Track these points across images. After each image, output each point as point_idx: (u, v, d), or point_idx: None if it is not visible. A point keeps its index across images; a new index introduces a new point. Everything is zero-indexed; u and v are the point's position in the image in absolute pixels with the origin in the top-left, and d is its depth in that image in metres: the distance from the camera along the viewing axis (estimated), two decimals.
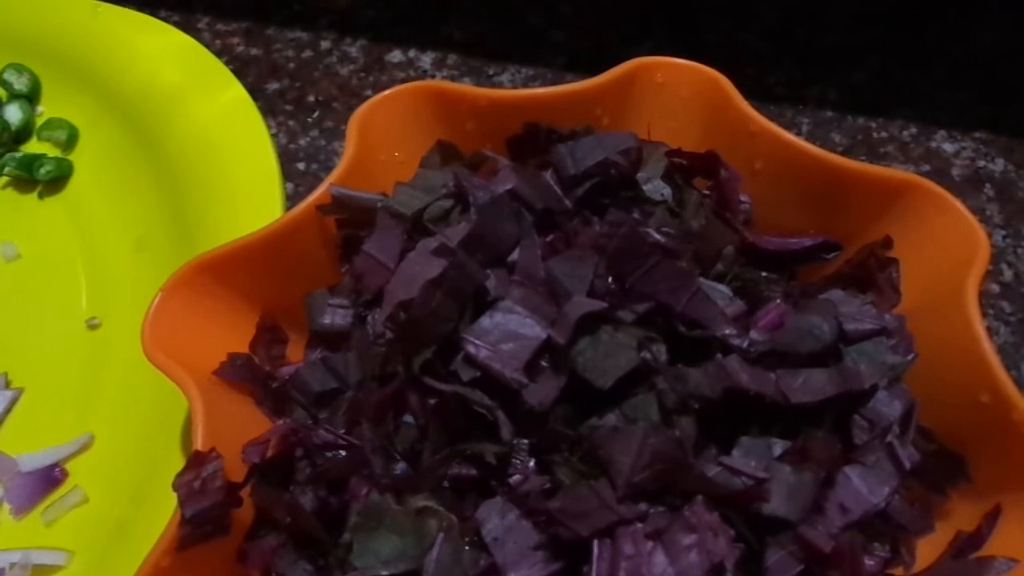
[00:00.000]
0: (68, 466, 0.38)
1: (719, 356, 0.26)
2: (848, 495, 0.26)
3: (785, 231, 0.34)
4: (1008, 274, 0.43)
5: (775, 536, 0.25)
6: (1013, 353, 0.40)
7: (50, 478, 0.37)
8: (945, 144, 0.47)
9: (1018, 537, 0.28)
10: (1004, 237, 0.44)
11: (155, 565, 0.26)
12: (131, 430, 0.38)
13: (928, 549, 0.30)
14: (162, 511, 0.28)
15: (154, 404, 0.38)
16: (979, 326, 0.29)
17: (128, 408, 0.39)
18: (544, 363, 0.27)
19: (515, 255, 0.28)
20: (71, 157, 0.46)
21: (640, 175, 0.33)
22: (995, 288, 0.42)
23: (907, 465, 0.27)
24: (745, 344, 0.27)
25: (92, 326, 0.41)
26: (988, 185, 0.45)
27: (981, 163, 0.46)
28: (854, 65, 0.49)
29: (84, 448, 0.38)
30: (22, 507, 0.37)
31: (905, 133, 0.47)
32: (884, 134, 0.47)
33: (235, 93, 0.44)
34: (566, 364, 0.26)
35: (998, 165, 0.46)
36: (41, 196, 0.45)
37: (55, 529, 0.36)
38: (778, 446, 0.26)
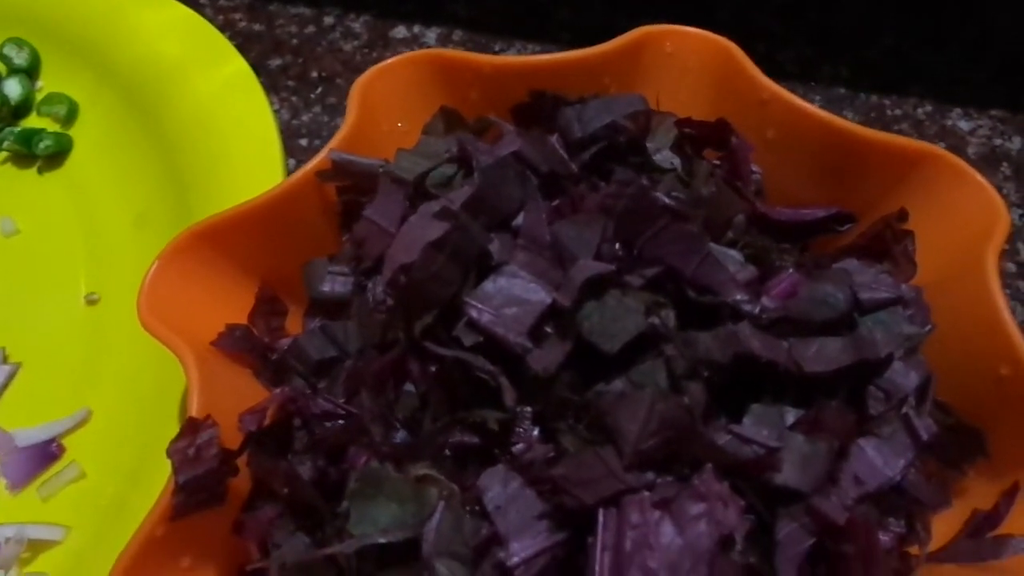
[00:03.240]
0: (65, 441, 0.37)
1: (730, 323, 0.26)
2: (862, 467, 0.26)
3: (797, 202, 0.33)
4: None
5: (786, 507, 0.25)
6: None
7: (47, 453, 0.37)
8: (961, 122, 0.46)
9: None
10: (1021, 216, 0.43)
11: (149, 534, 0.26)
12: (129, 406, 0.38)
13: (944, 527, 0.29)
14: (160, 487, 0.28)
15: (153, 380, 0.38)
16: (999, 297, 0.28)
17: (126, 384, 0.38)
18: (549, 328, 0.26)
19: (519, 219, 0.27)
20: (71, 132, 0.46)
21: (649, 145, 0.32)
22: (1012, 268, 0.41)
23: (924, 437, 0.26)
24: (757, 310, 0.26)
25: (91, 302, 0.41)
26: (1005, 163, 0.44)
27: (998, 141, 0.45)
28: (868, 42, 0.48)
29: (81, 423, 0.38)
30: (18, 482, 0.36)
31: (920, 111, 0.46)
32: (898, 111, 0.46)
33: (237, 67, 0.43)
34: (572, 329, 0.25)
35: (1015, 143, 0.45)
36: (40, 171, 0.45)
37: (52, 504, 0.36)
38: (791, 415, 0.25)
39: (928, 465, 0.29)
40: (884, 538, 0.27)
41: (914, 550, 0.28)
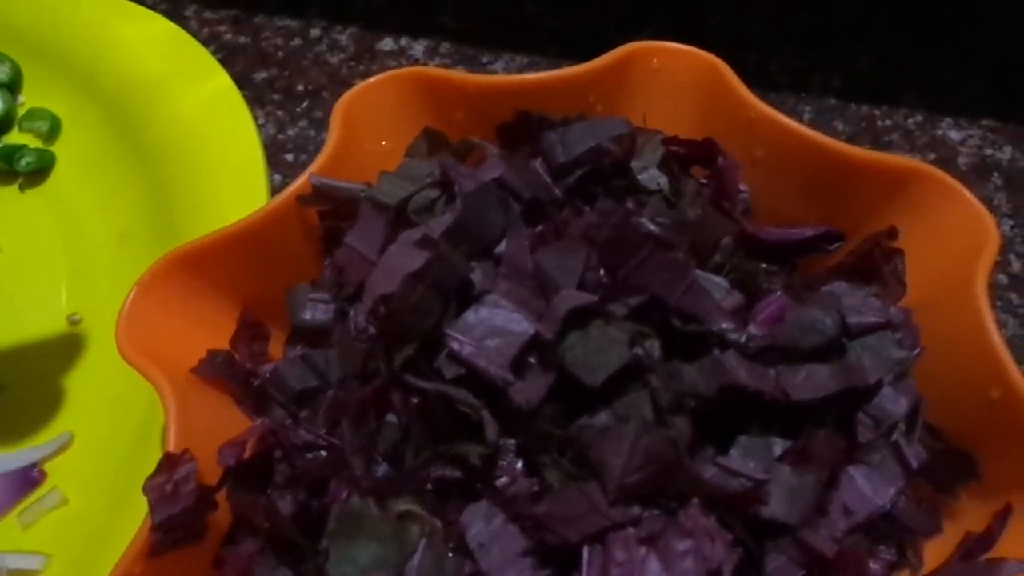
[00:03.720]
0: (47, 467, 0.37)
1: (716, 352, 0.25)
2: (852, 496, 0.25)
3: (786, 222, 0.32)
4: (1016, 265, 0.41)
5: (775, 540, 0.24)
6: (1022, 346, 0.39)
7: (28, 479, 0.36)
8: (951, 132, 0.45)
9: None
10: (1012, 227, 0.42)
11: (126, 572, 0.25)
12: (112, 430, 0.37)
13: (936, 551, 0.28)
14: (143, 514, 0.27)
15: (136, 403, 0.37)
16: (989, 319, 0.27)
17: (109, 407, 0.38)
18: (532, 360, 0.25)
19: (502, 247, 0.27)
20: (53, 148, 0.45)
21: (635, 164, 0.32)
22: (1003, 279, 0.41)
23: (914, 464, 0.26)
24: (743, 339, 0.26)
25: (73, 322, 0.40)
26: (996, 174, 0.44)
27: (988, 151, 0.44)
28: (859, 50, 0.48)
29: (63, 448, 0.37)
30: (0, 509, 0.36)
31: (910, 121, 0.45)
32: (888, 122, 0.45)
33: (220, 82, 0.42)
34: (554, 361, 0.25)
35: (1006, 153, 0.44)
36: (22, 188, 0.44)
37: (33, 532, 0.35)
38: (778, 446, 0.25)
39: (919, 490, 0.28)
40: (874, 567, 0.26)
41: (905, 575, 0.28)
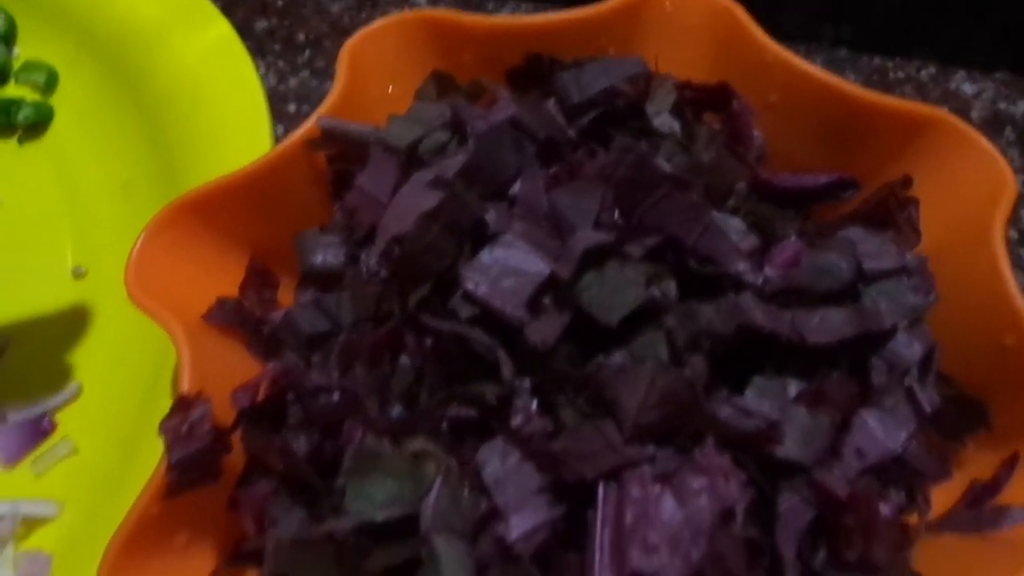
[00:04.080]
0: (57, 417, 0.37)
1: (732, 294, 0.25)
2: (865, 439, 0.25)
3: (800, 168, 0.32)
4: None
5: (788, 481, 0.24)
6: None
7: (38, 429, 0.36)
8: (965, 85, 0.45)
9: None
10: (1023, 182, 0.42)
11: (143, 513, 0.25)
12: (121, 380, 0.37)
13: (944, 498, 0.29)
14: (154, 461, 0.27)
15: (144, 353, 0.37)
16: (1005, 266, 0.27)
17: (117, 358, 0.38)
18: (547, 301, 0.25)
19: (516, 187, 0.26)
20: (51, 101, 0.44)
21: (648, 109, 0.31)
22: (1014, 235, 0.41)
23: (927, 409, 0.26)
24: (759, 281, 0.25)
25: (78, 275, 0.40)
26: (1009, 128, 0.43)
27: (1002, 105, 0.44)
28: (871, 3, 0.47)
29: (72, 398, 0.37)
30: (11, 458, 0.36)
31: (923, 73, 0.45)
32: (901, 74, 0.45)
33: (220, 30, 0.42)
34: (570, 301, 0.24)
35: (1019, 107, 0.44)
36: (21, 142, 0.44)
37: (45, 480, 0.35)
38: (793, 388, 0.25)
39: (929, 438, 0.28)
40: (884, 509, 0.26)
41: (913, 520, 0.28)
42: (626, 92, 0.29)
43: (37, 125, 0.44)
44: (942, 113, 0.30)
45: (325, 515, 0.26)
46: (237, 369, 0.30)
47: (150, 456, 0.34)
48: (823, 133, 0.32)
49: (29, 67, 0.45)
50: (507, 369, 0.25)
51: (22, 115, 0.43)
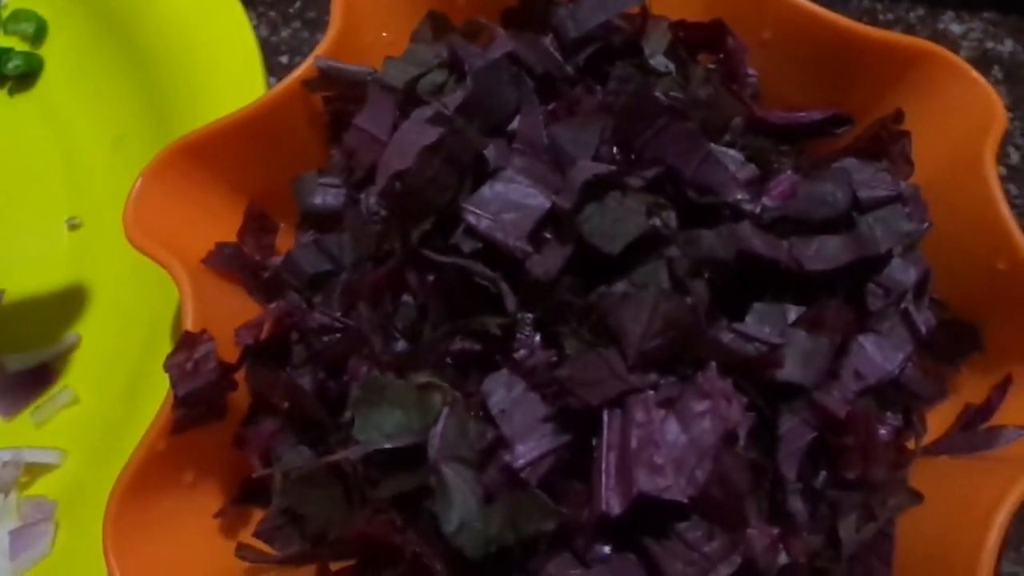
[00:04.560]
0: (57, 366, 0.37)
1: (731, 222, 0.25)
2: (863, 362, 0.26)
3: (794, 106, 0.32)
4: (1015, 156, 0.42)
5: (789, 403, 0.25)
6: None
7: (38, 378, 0.36)
8: (953, 25, 0.45)
9: None
10: (1012, 119, 0.42)
11: (150, 449, 0.26)
12: (119, 329, 0.37)
13: (939, 423, 0.29)
14: (155, 409, 0.28)
15: (141, 303, 0.37)
16: (997, 191, 0.28)
17: (115, 307, 0.38)
18: (548, 234, 0.25)
19: (515, 123, 0.26)
20: (40, 52, 0.44)
21: (644, 52, 0.31)
22: (1002, 171, 0.41)
23: (923, 330, 0.26)
24: (758, 210, 0.26)
25: (73, 226, 0.40)
26: (996, 67, 0.44)
27: (989, 44, 0.44)
28: None
29: (71, 348, 0.37)
30: (11, 407, 0.36)
31: (912, 14, 0.45)
32: (890, 16, 0.45)
33: None
34: (572, 232, 0.25)
35: (1007, 46, 0.44)
36: (11, 93, 0.43)
37: (47, 429, 0.36)
38: (792, 312, 0.25)
39: (924, 363, 0.29)
40: (882, 431, 0.27)
41: (910, 443, 0.29)
42: (623, 28, 0.29)
43: (27, 76, 0.43)
44: (933, 46, 0.30)
45: (332, 450, 0.26)
46: (238, 312, 0.30)
47: (151, 404, 0.33)
48: (817, 69, 0.32)
49: (18, 16, 0.44)
50: (510, 301, 0.25)
51: (12, 65, 0.42)
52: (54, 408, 0.36)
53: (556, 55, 0.28)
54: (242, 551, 0.27)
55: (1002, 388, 0.28)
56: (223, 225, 0.32)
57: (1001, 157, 0.41)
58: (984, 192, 0.28)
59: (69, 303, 0.38)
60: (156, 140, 0.39)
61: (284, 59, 0.45)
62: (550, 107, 0.27)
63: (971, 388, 0.29)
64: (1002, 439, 0.28)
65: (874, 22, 0.45)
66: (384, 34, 0.34)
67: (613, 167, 0.25)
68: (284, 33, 0.45)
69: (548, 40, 0.29)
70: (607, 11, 0.28)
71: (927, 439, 0.29)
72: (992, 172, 0.28)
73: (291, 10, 0.46)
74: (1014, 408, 0.28)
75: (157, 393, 0.28)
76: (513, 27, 0.32)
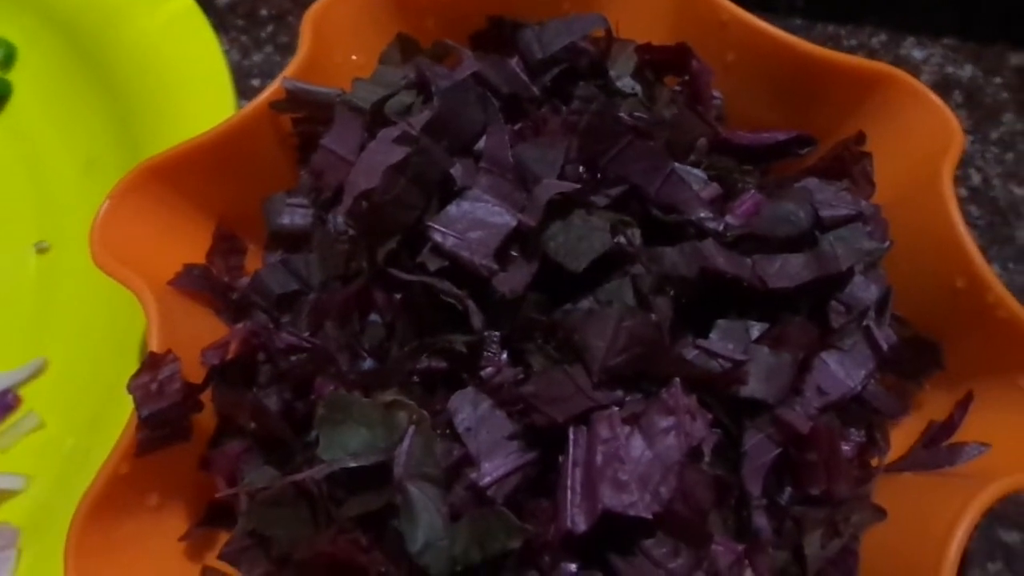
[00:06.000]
0: (22, 392, 0.36)
1: (695, 240, 0.26)
2: (825, 378, 0.26)
3: (758, 127, 0.33)
4: (976, 178, 0.42)
5: (753, 419, 0.25)
6: (983, 256, 0.40)
7: (2, 404, 0.36)
8: (914, 51, 0.46)
9: (991, 420, 0.28)
10: (972, 142, 0.43)
11: (113, 472, 0.25)
12: (86, 354, 0.37)
13: (902, 440, 0.30)
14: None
15: (109, 327, 0.37)
16: (954, 211, 0.28)
17: (82, 332, 0.37)
18: (515, 252, 0.26)
19: (482, 143, 0.27)
20: (9, 77, 0.44)
21: (610, 73, 0.32)
22: (963, 193, 0.42)
23: (884, 346, 0.27)
24: (721, 228, 0.26)
25: (41, 250, 0.40)
26: (957, 91, 0.45)
27: (950, 69, 0.45)
28: None
29: (37, 373, 0.37)
30: None
31: (874, 40, 0.46)
32: (853, 41, 0.46)
33: (182, 3, 0.41)
34: (538, 250, 0.25)
35: (967, 71, 0.45)
36: None
37: (11, 455, 0.35)
38: (755, 329, 0.26)
39: (886, 379, 0.29)
40: (845, 447, 0.27)
41: (874, 461, 0.29)
42: (588, 50, 0.29)
43: None
44: (893, 70, 0.31)
45: (298, 470, 0.26)
46: (207, 334, 0.30)
47: (119, 429, 0.33)
48: (780, 92, 0.33)
49: None
50: (476, 319, 0.25)
51: None
52: (19, 433, 0.35)
53: (522, 76, 0.28)
54: (208, 574, 0.27)
55: (964, 405, 0.29)
56: (192, 246, 0.32)
57: (963, 179, 0.42)
58: (942, 212, 0.28)
59: (36, 327, 0.38)
60: (126, 164, 0.39)
61: (256, 82, 0.45)
62: (516, 127, 0.28)
63: (934, 404, 0.30)
64: (964, 455, 0.28)
65: (837, 47, 0.46)
66: (354, 56, 0.34)
67: (578, 185, 0.25)
68: (256, 57, 0.46)
69: (515, 61, 0.29)
70: (572, 33, 0.29)
71: (891, 455, 0.29)
72: (950, 192, 0.28)
73: (263, 34, 0.46)
74: (975, 424, 0.28)
75: (125, 418, 0.28)
76: (481, 49, 0.33)
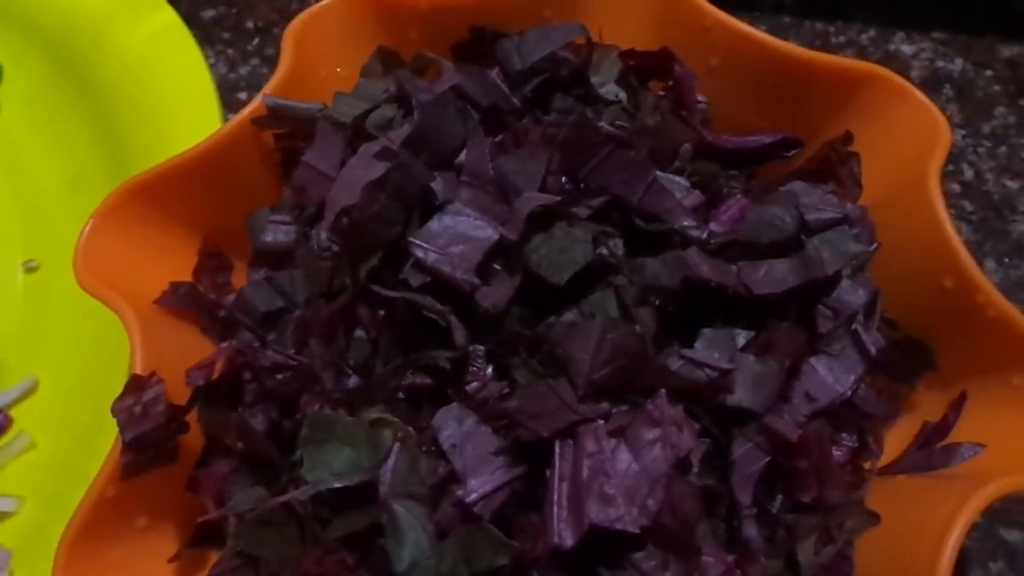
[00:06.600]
0: (13, 412, 0.36)
1: (678, 249, 0.25)
2: (814, 384, 0.26)
3: (744, 130, 0.32)
4: (968, 173, 0.42)
5: (741, 428, 0.25)
6: (975, 251, 0.40)
7: None
8: (904, 46, 0.46)
9: (986, 420, 0.28)
10: (964, 136, 0.43)
11: (99, 495, 0.25)
12: (76, 373, 0.37)
13: (896, 442, 0.29)
14: None
15: (99, 346, 0.37)
16: (942, 210, 0.28)
17: (72, 351, 0.37)
18: (497, 265, 0.25)
19: (462, 156, 0.26)
20: None
21: (594, 80, 0.31)
22: (956, 188, 0.42)
23: (872, 351, 0.26)
24: (704, 236, 0.26)
25: (30, 269, 0.40)
26: (947, 85, 0.44)
27: (940, 63, 0.45)
28: None
29: (28, 393, 0.37)
30: None
31: (864, 36, 0.46)
32: (842, 38, 0.46)
33: (165, 17, 0.41)
34: (520, 263, 0.25)
35: (956, 65, 0.45)
36: None
37: (3, 476, 0.35)
38: (741, 337, 0.25)
39: (878, 382, 0.29)
40: (837, 452, 0.27)
41: (867, 464, 0.29)
42: (569, 60, 0.29)
43: None
44: (878, 68, 0.31)
45: (285, 489, 0.26)
46: (193, 351, 0.30)
47: (108, 448, 0.33)
48: (765, 94, 0.32)
49: None
50: (460, 334, 0.25)
51: None
52: (10, 454, 0.35)
53: (503, 87, 0.28)
54: None
55: (958, 405, 0.28)
56: (178, 263, 0.32)
57: (956, 174, 0.42)
58: (929, 211, 0.28)
59: (26, 347, 0.38)
60: (113, 180, 0.39)
61: (243, 95, 0.45)
62: (497, 139, 0.27)
63: (928, 406, 0.29)
64: (959, 456, 0.28)
65: (826, 44, 0.45)
66: (338, 70, 0.34)
67: (558, 197, 0.25)
68: (243, 70, 0.45)
69: (495, 73, 0.29)
70: (551, 43, 0.28)
71: (886, 458, 0.29)
72: (937, 192, 0.28)
73: (249, 47, 0.46)
74: (970, 425, 0.28)
75: (114, 438, 0.28)
76: (464, 60, 0.33)
